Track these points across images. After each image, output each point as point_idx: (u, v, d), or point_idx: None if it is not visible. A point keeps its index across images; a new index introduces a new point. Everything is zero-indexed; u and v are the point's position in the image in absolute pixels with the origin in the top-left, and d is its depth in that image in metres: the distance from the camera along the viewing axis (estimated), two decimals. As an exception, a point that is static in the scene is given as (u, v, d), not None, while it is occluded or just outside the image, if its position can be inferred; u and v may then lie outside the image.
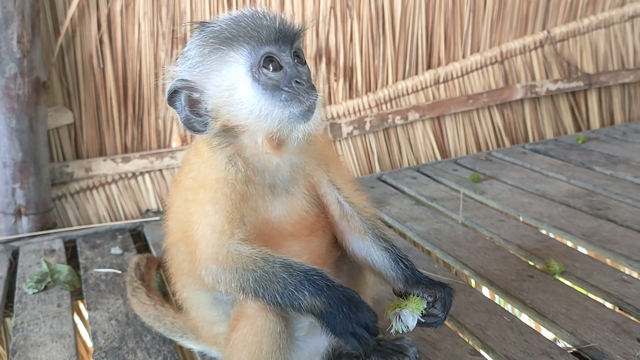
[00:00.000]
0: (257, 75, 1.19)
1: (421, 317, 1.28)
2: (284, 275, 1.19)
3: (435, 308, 1.29)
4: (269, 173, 1.30)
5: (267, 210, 1.31)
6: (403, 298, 1.32)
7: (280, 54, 1.21)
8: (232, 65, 1.20)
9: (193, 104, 1.25)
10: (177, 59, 1.30)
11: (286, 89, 1.19)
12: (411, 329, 1.28)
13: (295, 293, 1.18)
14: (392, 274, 1.36)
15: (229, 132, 1.27)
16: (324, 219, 1.41)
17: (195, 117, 1.25)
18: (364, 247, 1.39)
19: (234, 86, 1.21)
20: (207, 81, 1.22)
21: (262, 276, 1.20)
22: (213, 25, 1.24)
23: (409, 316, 1.27)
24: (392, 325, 1.29)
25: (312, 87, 1.22)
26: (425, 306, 1.28)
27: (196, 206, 1.27)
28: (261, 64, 1.19)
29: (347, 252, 1.42)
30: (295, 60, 1.23)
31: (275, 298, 1.19)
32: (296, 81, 1.20)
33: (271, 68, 1.19)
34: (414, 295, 1.30)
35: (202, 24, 1.26)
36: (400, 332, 1.29)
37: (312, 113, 1.22)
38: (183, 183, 1.33)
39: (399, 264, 1.36)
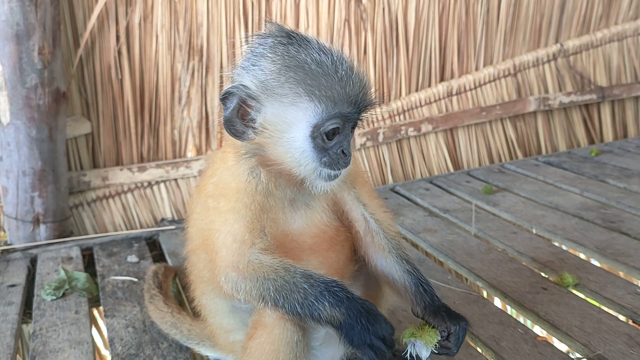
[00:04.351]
0: (315, 135, 1.21)
1: (434, 349, 1.31)
2: (305, 286, 1.21)
3: (449, 342, 1.31)
4: (291, 189, 1.32)
5: (287, 223, 1.33)
6: (420, 322, 1.35)
7: (345, 124, 1.23)
8: (300, 112, 1.20)
9: (243, 109, 1.24)
10: (243, 55, 1.28)
11: (332, 153, 1.23)
12: (424, 358, 1.31)
13: (316, 303, 1.20)
14: (412, 298, 1.38)
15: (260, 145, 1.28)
16: (344, 233, 1.42)
17: (240, 121, 1.25)
18: (387, 265, 1.41)
19: (290, 127, 1.21)
20: (268, 102, 1.21)
21: (283, 286, 1.21)
22: (299, 48, 1.21)
23: (422, 348, 1.30)
24: (408, 350, 1.32)
25: (349, 159, 1.26)
26: (439, 338, 1.31)
27: (217, 214, 1.29)
28: (325, 129, 1.20)
29: (369, 266, 1.44)
30: (353, 128, 1.26)
31: (295, 308, 1.21)
32: (342, 151, 1.24)
33: (331, 135, 1.22)
34: (429, 326, 1.33)
35: (289, 36, 1.24)
36: (415, 358, 1.32)
37: (337, 177, 1.27)
38: (205, 188, 1.35)
39: (419, 289, 1.37)
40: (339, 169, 1.25)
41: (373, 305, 1.23)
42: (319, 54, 1.20)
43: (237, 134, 1.26)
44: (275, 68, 1.20)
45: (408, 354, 1.31)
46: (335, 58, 1.20)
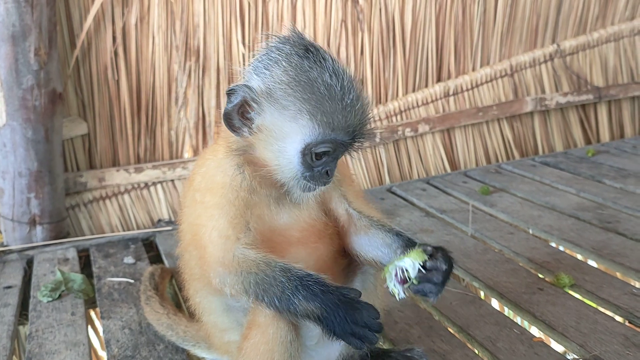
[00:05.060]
0: (305, 152, 1.24)
1: (423, 269, 1.24)
2: (282, 280, 1.22)
3: (437, 260, 1.26)
4: (276, 189, 1.33)
5: (273, 219, 1.35)
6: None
7: (337, 148, 1.26)
8: (297, 128, 1.22)
9: (244, 107, 1.26)
10: (254, 54, 1.30)
11: (315, 171, 1.26)
12: (413, 276, 1.23)
13: (292, 298, 1.21)
14: (395, 245, 1.37)
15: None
16: (332, 227, 1.43)
17: (239, 118, 1.27)
18: (370, 238, 1.41)
19: (285, 138, 1.24)
20: (269, 108, 1.24)
21: (263, 279, 1.23)
22: (313, 65, 1.22)
23: (409, 264, 1.24)
24: (388, 285, 1.26)
25: (330, 179, 1.30)
26: (426, 258, 1.25)
27: (203, 209, 1.31)
28: (317, 149, 1.23)
29: (354, 252, 1.42)
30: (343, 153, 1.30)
31: (274, 301, 1.22)
32: (326, 172, 1.27)
33: (320, 156, 1.25)
34: (413, 249, 1.28)
35: (307, 49, 1.24)
36: (398, 294, 1.25)
37: (314, 191, 1.31)
38: (193, 180, 1.38)
39: (402, 236, 1.38)
40: (318, 186, 1.29)
41: (354, 292, 1.22)
42: (330, 77, 1.21)
43: (233, 128, 1.29)
44: (285, 79, 1.22)
45: (390, 288, 1.25)
46: (344, 84, 1.22)
